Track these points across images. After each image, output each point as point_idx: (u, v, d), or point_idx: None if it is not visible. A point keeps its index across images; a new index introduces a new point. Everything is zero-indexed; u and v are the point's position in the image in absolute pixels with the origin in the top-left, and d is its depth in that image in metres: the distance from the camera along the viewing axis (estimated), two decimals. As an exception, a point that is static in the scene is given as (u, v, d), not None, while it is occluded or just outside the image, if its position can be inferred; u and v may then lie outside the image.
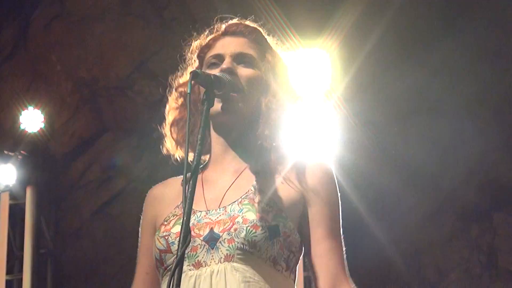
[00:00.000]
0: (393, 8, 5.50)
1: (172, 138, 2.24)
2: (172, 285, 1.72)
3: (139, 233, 2.25)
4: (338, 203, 2.18)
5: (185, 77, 2.27)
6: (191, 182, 1.82)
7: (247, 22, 2.27)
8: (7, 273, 6.90)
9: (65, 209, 7.13)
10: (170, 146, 2.25)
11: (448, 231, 6.24)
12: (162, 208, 2.18)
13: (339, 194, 2.19)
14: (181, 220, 1.88)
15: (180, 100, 2.24)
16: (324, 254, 2.11)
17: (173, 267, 1.72)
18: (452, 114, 6.01)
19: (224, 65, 2.13)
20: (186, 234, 1.74)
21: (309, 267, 2.13)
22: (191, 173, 1.83)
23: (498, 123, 5.97)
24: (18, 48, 6.78)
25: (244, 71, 2.14)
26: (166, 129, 2.25)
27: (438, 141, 6.17)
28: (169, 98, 2.27)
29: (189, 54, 2.30)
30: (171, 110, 2.25)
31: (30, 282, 6.72)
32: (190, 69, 2.26)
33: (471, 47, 5.83)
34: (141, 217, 2.26)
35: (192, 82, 1.97)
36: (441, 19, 5.94)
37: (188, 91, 1.93)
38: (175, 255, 1.96)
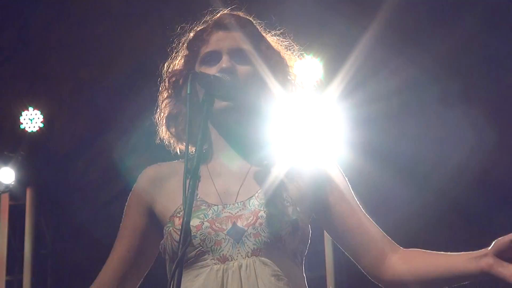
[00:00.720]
0: (386, 6, 5.51)
1: (169, 131, 2.24)
2: (173, 286, 1.71)
3: (126, 209, 2.21)
4: (347, 182, 2.21)
5: (176, 65, 2.27)
6: (191, 183, 1.82)
7: (239, 14, 2.26)
8: (7, 273, 6.90)
9: (65, 209, 7.13)
10: (165, 136, 2.26)
11: (443, 229, 6.24)
12: (161, 192, 2.17)
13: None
14: (198, 213, 1.97)
15: (174, 92, 2.24)
16: (361, 223, 2.14)
17: (173, 269, 1.71)
18: (445, 111, 6.02)
19: (224, 64, 2.12)
20: (186, 236, 1.73)
21: (346, 244, 2.16)
22: (192, 174, 1.83)
23: (492, 121, 5.97)
24: (18, 48, 6.77)
25: (242, 69, 2.13)
26: (162, 120, 2.26)
27: (430, 138, 6.18)
28: (161, 88, 2.27)
29: (181, 45, 2.30)
30: (165, 101, 2.25)
31: (30, 282, 6.72)
32: (181, 59, 2.27)
33: (464, 44, 5.84)
34: (131, 194, 2.23)
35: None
36: (433, 17, 5.95)
37: (188, 92, 1.93)
38: (197, 249, 1.98)
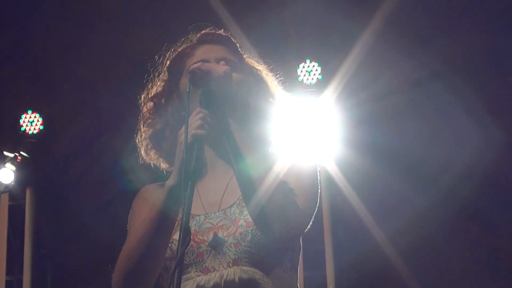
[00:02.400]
0: (392, 5, 5.51)
1: (154, 148, 2.25)
2: (173, 286, 1.72)
3: (132, 222, 2.20)
4: (316, 197, 2.14)
5: (157, 88, 2.29)
6: (191, 182, 1.82)
7: (220, 32, 2.30)
8: (7, 273, 6.90)
9: (65, 210, 7.12)
10: (148, 156, 2.27)
11: (448, 230, 6.23)
12: None
13: (318, 188, 2.16)
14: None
15: (158, 111, 2.25)
16: None
17: (172, 268, 1.71)
18: (452, 110, 6.02)
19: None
20: (185, 235, 1.73)
21: None
22: (191, 175, 1.83)
23: (500, 120, 5.97)
24: (18, 49, 6.77)
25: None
26: (144, 140, 2.26)
27: (437, 138, 6.17)
28: (142, 113, 2.29)
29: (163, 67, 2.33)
30: (149, 121, 2.26)
31: (30, 282, 6.71)
32: (160, 83, 2.29)
33: (470, 42, 5.84)
34: (134, 209, 2.23)
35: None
36: (440, 17, 5.95)
37: (187, 90, 1.94)
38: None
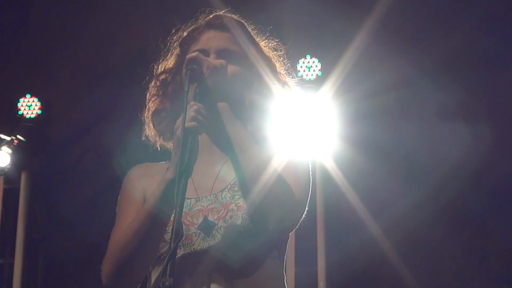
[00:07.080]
0: (382, 4, 5.53)
1: (154, 127, 2.25)
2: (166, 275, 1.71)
3: (122, 206, 2.18)
4: (309, 187, 2.14)
5: (167, 64, 2.29)
6: (185, 175, 1.82)
7: (232, 16, 2.28)
8: (-1, 256, 6.91)
9: (59, 195, 7.12)
10: (150, 133, 2.27)
11: (440, 233, 6.25)
12: (150, 186, 2.15)
13: (310, 178, 2.15)
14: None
15: (162, 89, 2.26)
16: None
17: (165, 262, 1.71)
18: (442, 109, 6.04)
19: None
20: (178, 229, 1.73)
21: None
22: (185, 168, 1.83)
23: (489, 119, 5.99)
24: (18, 33, 6.75)
25: (229, 68, 2.15)
26: (147, 117, 2.27)
27: (430, 135, 6.20)
28: (150, 85, 2.29)
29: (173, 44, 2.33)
30: (153, 98, 2.27)
31: (21, 266, 6.70)
32: (172, 58, 2.29)
33: (461, 42, 5.87)
34: (123, 192, 2.21)
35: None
36: (429, 15, 5.98)
37: (186, 89, 1.95)
38: (168, 244, 1.98)
